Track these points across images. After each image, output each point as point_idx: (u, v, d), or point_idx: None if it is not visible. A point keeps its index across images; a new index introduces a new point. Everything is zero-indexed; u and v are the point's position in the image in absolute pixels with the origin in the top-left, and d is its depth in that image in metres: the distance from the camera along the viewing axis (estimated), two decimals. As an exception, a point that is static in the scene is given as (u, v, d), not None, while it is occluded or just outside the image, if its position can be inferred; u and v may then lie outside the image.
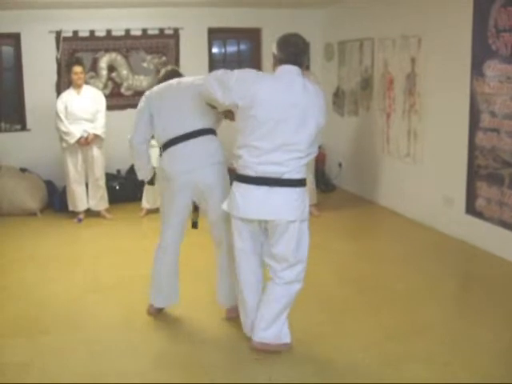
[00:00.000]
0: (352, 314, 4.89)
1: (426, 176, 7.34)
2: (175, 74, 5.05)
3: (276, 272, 4.16)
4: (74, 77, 7.74)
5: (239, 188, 4.06)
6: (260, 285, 4.32)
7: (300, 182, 4.01)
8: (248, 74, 4.11)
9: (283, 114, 3.89)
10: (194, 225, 4.82)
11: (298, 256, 4.10)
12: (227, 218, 4.37)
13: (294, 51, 4.05)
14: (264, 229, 4.15)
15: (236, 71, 4.09)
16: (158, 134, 4.72)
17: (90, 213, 8.02)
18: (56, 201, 8.48)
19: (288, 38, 4.14)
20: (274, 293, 4.17)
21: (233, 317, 4.71)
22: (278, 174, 3.92)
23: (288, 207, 3.97)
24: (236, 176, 4.13)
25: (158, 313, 4.90)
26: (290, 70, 4.01)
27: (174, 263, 4.84)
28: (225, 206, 4.21)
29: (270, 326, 4.18)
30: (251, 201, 4.01)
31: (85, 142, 7.69)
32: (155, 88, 4.88)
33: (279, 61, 4.08)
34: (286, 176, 3.93)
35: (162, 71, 5.18)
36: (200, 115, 4.58)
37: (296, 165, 3.94)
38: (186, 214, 4.74)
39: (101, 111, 7.85)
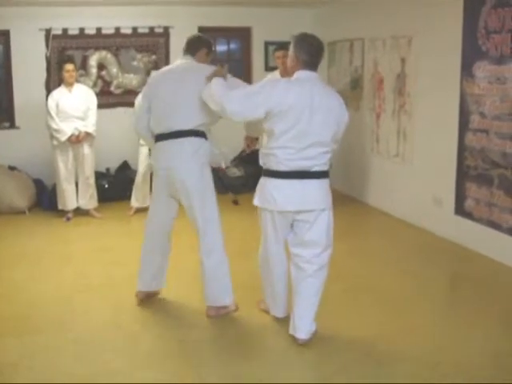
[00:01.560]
0: (340, 314, 4.89)
1: (416, 176, 7.36)
2: (194, 44, 4.90)
3: (306, 260, 4.37)
4: (66, 75, 7.70)
5: (272, 182, 4.28)
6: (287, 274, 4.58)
7: (327, 174, 4.33)
8: (274, 83, 4.35)
9: (311, 116, 4.13)
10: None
11: (328, 240, 4.46)
12: (210, 219, 4.73)
13: (315, 53, 4.34)
14: (292, 220, 4.36)
15: (259, 84, 4.40)
16: (152, 125, 4.78)
17: (78, 211, 7.99)
18: (45, 199, 8.46)
19: (309, 39, 4.39)
20: (309, 287, 4.39)
21: (211, 315, 4.83)
22: (309, 167, 4.19)
23: (320, 196, 4.29)
24: (266, 172, 4.32)
25: (144, 298, 5.06)
26: (310, 75, 4.30)
27: (157, 249, 4.99)
28: (256, 202, 4.45)
29: (312, 319, 4.39)
30: (288, 193, 4.24)
31: (76, 140, 7.66)
32: (158, 71, 5.00)
33: (302, 63, 4.32)
34: (316, 169, 4.21)
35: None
36: (194, 114, 4.61)
37: (324, 159, 4.26)
38: (167, 209, 4.91)
39: (92, 109, 7.83)
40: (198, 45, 4.88)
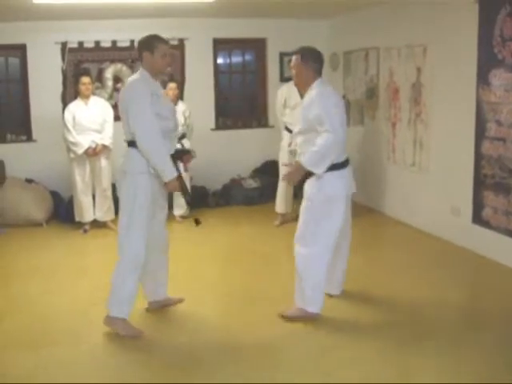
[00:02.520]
0: (357, 323, 4.87)
1: (433, 185, 7.32)
2: (138, 51, 4.85)
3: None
4: (82, 87, 7.74)
5: (340, 172, 4.93)
6: None
7: None
8: (331, 97, 4.91)
9: None
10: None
11: None
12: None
13: (322, 60, 5.03)
14: None
15: (334, 108, 4.78)
16: None
17: (95, 223, 8.01)
18: (62, 211, 8.49)
19: (313, 49, 5.03)
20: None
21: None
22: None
23: None
24: (332, 166, 4.80)
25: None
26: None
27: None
28: (340, 191, 4.98)
29: None
30: (350, 178, 5.12)
31: (93, 153, 7.68)
32: None
33: (316, 71, 4.93)
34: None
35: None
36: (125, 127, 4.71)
37: None
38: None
39: (108, 122, 7.85)
40: (140, 50, 4.77)
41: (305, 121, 4.85)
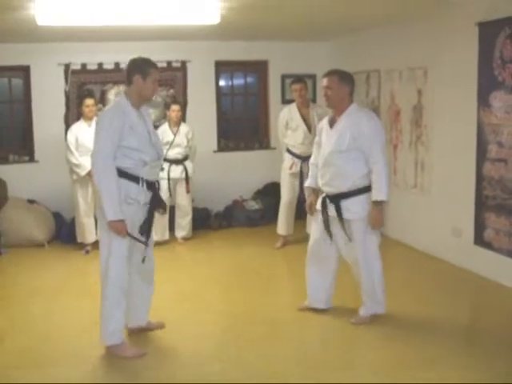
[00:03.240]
0: (361, 345, 4.87)
1: (434, 207, 7.33)
2: (127, 73, 4.73)
3: None
4: (86, 109, 7.78)
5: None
6: None
7: None
8: (378, 122, 5.25)
9: None
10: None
11: None
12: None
13: None
14: None
15: (383, 136, 5.15)
16: None
17: (97, 244, 7.95)
18: (64, 232, 8.50)
19: (351, 74, 5.24)
20: None
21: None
22: None
23: None
24: (369, 185, 5.03)
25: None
26: None
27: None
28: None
29: None
30: None
31: (95, 175, 7.69)
32: None
33: (351, 94, 5.14)
34: None
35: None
36: None
37: None
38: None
39: (111, 144, 7.85)
40: (130, 72, 4.66)
41: (348, 140, 4.96)
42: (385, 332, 5.11)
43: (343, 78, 5.09)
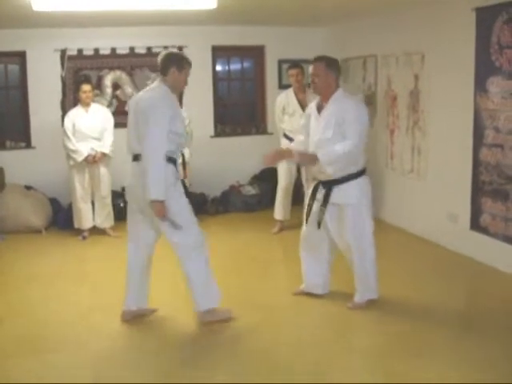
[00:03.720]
0: (357, 330, 4.89)
1: (431, 192, 7.35)
2: (163, 64, 4.93)
3: None
4: (83, 95, 7.77)
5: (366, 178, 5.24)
6: None
7: None
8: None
9: None
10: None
11: None
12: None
13: None
14: None
15: (365, 127, 5.15)
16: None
17: (94, 230, 8.02)
18: (61, 218, 8.50)
19: (337, 60, 5.19)
20: None
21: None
22: None
23: None
24: (362, 171, 5.20)
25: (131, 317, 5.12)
26: None
27: (142, 271, 5.12)
28: (369, 193, 5.25)
29: None
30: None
31: (92, 161, 7.70)
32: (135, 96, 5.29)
33: (338, 80, 5.11)
34: None
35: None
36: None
37: None
38: (141, 229, 5.02)
39: (108, 129, 7.87)
40: (167, 64, 4.87)
41: (333, 127, 4.97)
42: (380, 317, 5.13)
43: (330, 64, 5.07)
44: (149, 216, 4.85)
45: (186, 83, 4.98)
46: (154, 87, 4.88)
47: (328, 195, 5.08)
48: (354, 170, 5.08)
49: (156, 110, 4.66)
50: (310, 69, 5.10)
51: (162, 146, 4.62)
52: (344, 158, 4.89)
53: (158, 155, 4.61)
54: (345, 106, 4.99)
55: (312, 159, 4.99)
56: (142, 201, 4.74)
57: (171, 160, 4.78)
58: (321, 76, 5.00)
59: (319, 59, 5.07)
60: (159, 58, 4.92)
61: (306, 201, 5.37)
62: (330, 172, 4.90)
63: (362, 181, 5.15)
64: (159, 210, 4.65)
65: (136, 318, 5.11)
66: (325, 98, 5.09)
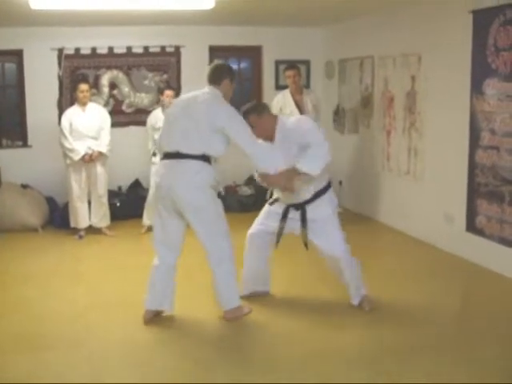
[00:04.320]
0: (352, 331, 4.90)
1: (427, 193, 7.36)
2: (217, 73, 5.11)
3: None
4: (80, 95, 7.77)
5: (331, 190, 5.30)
6: None
7: None
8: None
9: None
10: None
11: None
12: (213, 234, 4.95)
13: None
14: None
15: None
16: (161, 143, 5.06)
17: (90, 229, 8.02)
18: (57, 217, 8.51)
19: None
20: None
21: (229, 318, 5.06)
22: None
23: None
24: (329, 183, 5.25)
25: (152, 317, 5.08)
26: None
27: (169, 275, 5.12)
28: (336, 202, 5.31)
29: None
30: None
31: (89, 159, 7.71)
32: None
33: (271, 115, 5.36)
34: None
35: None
36: (200, 139, 4.82)
37: None
38: (173, 229, 5.00)
39: (105, 129, 7.88)
40: (223, 75, 5.05)
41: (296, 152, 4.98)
42: (375, 318, 5.14)
43: (259, 111, 5.20)
44: (183, 216, 4.90)
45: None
46: (209, 92, 4.97)
47: (304, 215, 5.12)
48: (323, 184, 5.14)
49: (228, 106, 4.93)
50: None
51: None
52: (325, 153, 4.86)
53: (255, 140, 4.89)
54: (292, 131, 5.02)
55: (292, 175, 4.91)
56: (181, 200, 4.79)
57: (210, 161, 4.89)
58: (257, 127, 5.03)
59: (246, 113, 5.14)
60: (211, 68, 5.09)
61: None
62: (316, 173, 4.86)
63: (331, 193, 5.24)
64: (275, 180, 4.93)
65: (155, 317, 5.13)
66: (272, 138, 5.07)
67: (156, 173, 5.14)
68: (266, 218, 5.36)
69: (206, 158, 4.82)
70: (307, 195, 5.07)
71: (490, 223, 6.28)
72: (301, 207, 5.12)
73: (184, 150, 4.78)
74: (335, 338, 4.74)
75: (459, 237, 6.75)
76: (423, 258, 6.90)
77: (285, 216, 5.19)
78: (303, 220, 5.11)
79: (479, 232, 6.44)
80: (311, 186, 5.04)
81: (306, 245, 5.18)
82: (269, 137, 5.07)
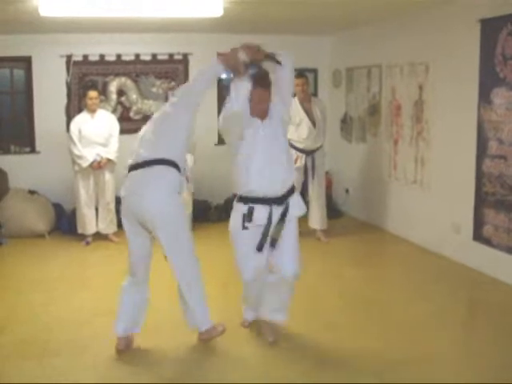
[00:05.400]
0: (360, 339, 4.89)
1: (434, 202, 7.35)
2: None
3: None
4: (89, 102, 7.81)
5: None
6: None
7: None
8: None
9: None
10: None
11: None
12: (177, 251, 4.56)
13: None
14: None
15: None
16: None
17: (97, 236, 8.04)
18: (64, 223, 8.52)
19: None
20: None
21: (205, 339, 4.82)
22: None
23: None
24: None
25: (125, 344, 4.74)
26: None
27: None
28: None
29: None
30: None
31: (97, 166, 7.73)
32: None
33: None
34: None
35: None
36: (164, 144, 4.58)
37: None
38: (140, 244, 4.65)
39: (114, 136, 7.91)
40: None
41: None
42: (381, 325, 5.14)
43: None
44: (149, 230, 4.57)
45: None
46: None
47: (287, 210, 4.64)
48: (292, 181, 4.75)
49: None
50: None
51: None
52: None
53: None
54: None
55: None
56: (148, 212, 4.46)
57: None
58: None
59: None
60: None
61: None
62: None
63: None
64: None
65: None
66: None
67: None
68: (252, 249, 4.65)
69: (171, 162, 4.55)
70: (284, 188, 4.60)
71: (497, 232, 6.27)
72: (284, 202, 4.61)
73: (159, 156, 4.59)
74: (342, 349, 4.73)
75: (466, 246, 6.74)
76: (430, 266, 6.88)
77: (270, 221, 4.58)
78: (284, 215, 4.60)
79: (486, 241, 6.43)
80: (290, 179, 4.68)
81: (275, 242, 4.62)
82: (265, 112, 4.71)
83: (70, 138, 7.74)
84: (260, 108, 4.64)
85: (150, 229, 4.52)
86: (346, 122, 9.57)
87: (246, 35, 9.30)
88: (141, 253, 4.66)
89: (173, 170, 4.53)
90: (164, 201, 4.48)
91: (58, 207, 8.77)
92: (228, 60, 4.61)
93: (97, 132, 7.78)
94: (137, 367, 4.44)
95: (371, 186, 8.86)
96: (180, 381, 4.24)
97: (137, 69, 9.26)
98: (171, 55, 9.38)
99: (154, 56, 9.31)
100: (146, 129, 4.79)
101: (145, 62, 9.30)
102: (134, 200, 4.53)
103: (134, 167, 4.59)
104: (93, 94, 7.83)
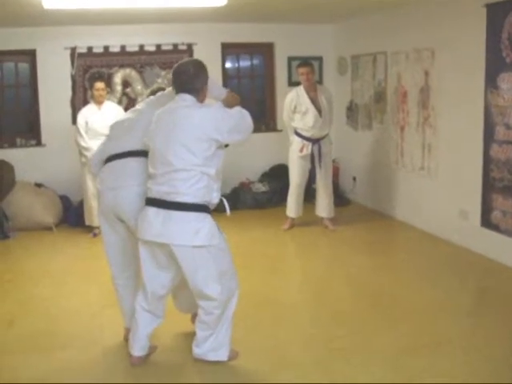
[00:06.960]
0: (368, 328, 4.88)
1: (441, 189, 7.33)
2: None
3: None
4: (96, 93, 7.79)
5: None
6: None
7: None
8: None
9: None
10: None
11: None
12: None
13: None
14: None
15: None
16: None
17: (105, 227, 8.03)
18: (71, 216, 8.53)
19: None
20: None
21: None
22: None
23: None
24: None
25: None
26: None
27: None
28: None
29: None
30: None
31: (105, 158, 7.71)
32: None
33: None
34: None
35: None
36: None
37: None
38: (118, 241, 4.55)
39: (121, 127, 7.88)
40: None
41: None
42: (391, 314, 5.13)
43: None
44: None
45: None
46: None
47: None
48: None
49: None
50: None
51: None
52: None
53: None
54: None
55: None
56: (128, 210, 4.29)
57: None
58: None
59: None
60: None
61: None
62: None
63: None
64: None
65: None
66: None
67: None
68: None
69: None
70: None
71: (505, 218, 6.24)
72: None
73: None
74: (351, 337, 4.73)
75: (474, 232, 6.72)
76: (438, 253, 6.87)
77: None
78: None
79: (494, 227, 6.40)
80: None
81: None
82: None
83: (77, 130, 7.72)
84: None
85: (126, 222, 4.36)
86: (351, 109, 9.54)
87: (250, 24, 9.36)
88: (122, 246, 4.57)
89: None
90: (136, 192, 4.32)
91: (65, 199, 8.77)
92: (231, 102, 4.62)
93: (104, 124, 7.71)
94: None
95: (378, 174, 8.84)
96: (192, 368, 4.24)
97: (141, 60, 9.24)
98: (175, 45, 9.35)
99: (159, 47, 9.29)
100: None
101: (149, 53, 9.27)
102: (110, 194, 4.35)
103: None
104: (100, 85, 7.81)
